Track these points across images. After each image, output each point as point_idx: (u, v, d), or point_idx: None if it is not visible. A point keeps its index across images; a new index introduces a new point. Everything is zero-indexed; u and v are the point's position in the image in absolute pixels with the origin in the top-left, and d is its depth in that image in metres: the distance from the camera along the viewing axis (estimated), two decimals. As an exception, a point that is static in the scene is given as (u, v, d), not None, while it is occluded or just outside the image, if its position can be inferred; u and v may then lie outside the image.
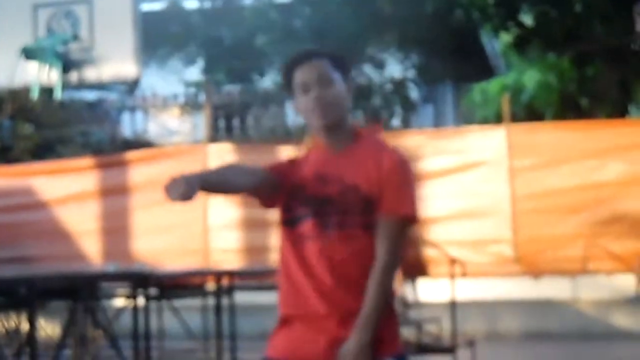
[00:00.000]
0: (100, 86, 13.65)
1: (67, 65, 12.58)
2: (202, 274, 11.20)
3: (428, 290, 10.76)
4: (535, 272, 14.76)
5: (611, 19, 16.45)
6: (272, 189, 3.80)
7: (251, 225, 16.21)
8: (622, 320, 14.32)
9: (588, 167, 15.25)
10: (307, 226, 3.69)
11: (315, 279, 3.65)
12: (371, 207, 3.61)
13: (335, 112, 3.69)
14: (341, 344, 3.55)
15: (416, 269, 13.14)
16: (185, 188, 3.36)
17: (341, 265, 3.63)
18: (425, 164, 14.22)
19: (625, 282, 14.54)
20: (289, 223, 3.79)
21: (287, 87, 3.86)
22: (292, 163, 3.88)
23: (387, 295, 3.63)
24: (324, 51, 3.85)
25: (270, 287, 11.65)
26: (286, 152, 16.55)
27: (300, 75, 3.70)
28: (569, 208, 15.21)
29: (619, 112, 17.91)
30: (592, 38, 16.87)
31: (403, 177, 3.72)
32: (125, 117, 22.31)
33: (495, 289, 14.81)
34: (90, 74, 12.71)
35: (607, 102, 17.71)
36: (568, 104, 18.45)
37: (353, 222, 3.64)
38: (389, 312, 3.68)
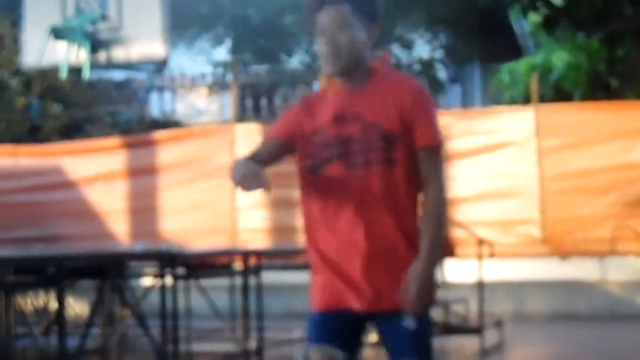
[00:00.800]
0: (128, 66, 13.66)
1: (96, 44, 12.60)
2: (230, 253, 11.20)
3: (455, 271, 10.73)
4: (563, 253, 14.74)
5: (641, -1, 16.38)
6: (289, 152, 3.80)
7: (279, 205, 16.18)
8: (649, 301, 14.30)
9: (617, 148, 15.20)
10: (333, 169, 3.67)
11: (353, 228, 3.62)
12: (392, 143, 3.61)
13: (347, 57, 3.66)
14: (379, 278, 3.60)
15: (443, 250, 13.13)
16: (259, 180, 3.42)
17: (373, 203, 3.62)
18: (453, 144, 14.16)
19: (653, 264, 14.54)
20: (312, 170, 3.74)
21: (309, 28, 3.85)
22: (305, 109, 3.83)
23: (446, 225, 3.73)
24: None
25: (298, 267, 11.69)
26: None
27: (319, 20, 3.70)
28: (597, 189, 15.17)
29: (649, 93, 17.84)
30: (621, 18, 16.78)
31: (428, 107, 3.71)
32: (153, 97, 22.32)
33: (522, 269, 14.78)
34: (119, 53, 12.72)
35: (637, 83, 17.63)
36: (597, 85, 18.38)
37: (377, 158, 3.62)
38: None
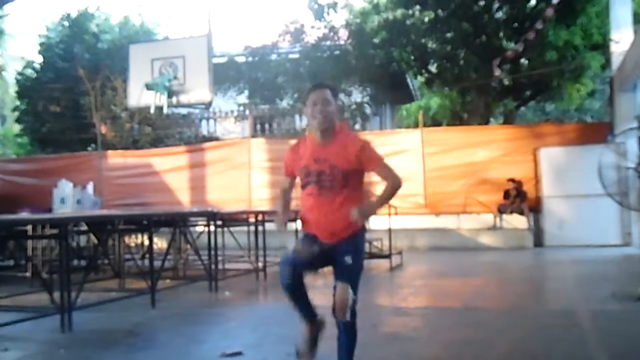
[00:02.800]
0: (189, 105, 13.62)
1: (170, 93, 12.56)
2: (247, 212, 11.15)
3: (376, 222, 10.70)
4: (437, 212, 14.76)
5: (479, 68, 16.39)
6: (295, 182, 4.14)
7: (274, 185, 16.25)
8: (485, 239, 14.32)
9: (466, 153, 15.31)
10: (312, 188, 3.90)
11: (323, 214, 3.88)
12: (347, 176, 3.82)
13: (329, 121, 3.86)
14: (336, 236, 3.85)
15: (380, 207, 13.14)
16: (283, 226, 4.06)
17: (334, 208, 3.84)
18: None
19: (487, 219, 14.57)
20: (303, 186, 3.96)
21: (304, 102, 3.98)
22: (295, 151, 4.03)
23: (389, 199, 3.95)
24: (327, 85, 3.97)
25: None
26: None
27: (313, 96, 3.86)
28: (455, 176, 15.26)
29: (485, 122, 17.88)
30: (469, 79, 16.81)
31: (369, 147, 3.89)
32: (204, 123, 22.25)
33: (413, 222, 14.83)
34: (183, 98, 12.68)
35: (477, 116, 17.68)
36: (455, 117, 18.42)
37: (337, 185, 3.82)
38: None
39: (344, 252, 3.82)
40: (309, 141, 3.96)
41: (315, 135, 3.92)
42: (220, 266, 9.43)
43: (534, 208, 14.49)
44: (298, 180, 4.04)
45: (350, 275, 3.81)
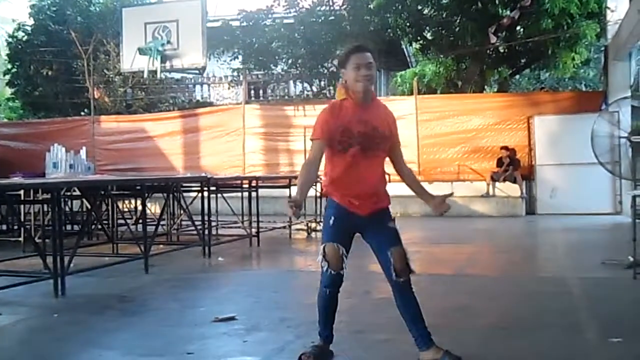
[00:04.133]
0: (182, 70, 13.57)
1: (164, 58, 12.52)
2: (241, 178, 11.15)
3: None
4: (431, 179, 14.78)
5: (475, 35, 16.28)
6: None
7: (268, 151, 16.26)
8: (478, 207, 14.38)
9: (460, 121, 15.35)
10: (355, 149, 3.77)
11: (363, 178, 3.82)
12: (385, 140, 3.85)
13: (371, 83, 3.81)
14: (378, 205, 3.90)
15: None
16: (298, 210, 3.54)
17: (375, 170, 3.87)
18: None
19: (480, 186, 14.61)
20: (342, 149, 3.78)
21: (342, 63, 3.87)
22: (333, 113, 3.82)
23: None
24: (368, 47, 3.88)
25: (279, 187, 11.68)
26: (288, 111, 16.55)
27: (355, 59, 3.77)
28: (449, 144, 15.30)
29: (479, 89, 17.83)
30: (464, 46, 16.71)
31: (396, 123, 4.03)
32: (198, 88, 22.17)
33: (407, 189, 14.83)
34: (177, 63, 12.65)
35: (472, 84, 17.62)
36: (450, 84, 18.33)
37: (378, 147, 3.83)
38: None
39: (385, 220, 3.90)
40: (349, 104, 3.82)
41: (356, 98, 3.81)
42: (213, 232, 9.45)
43: (527, 176, 14.54)
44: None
45: (398, 237, 3.87)
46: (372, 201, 3.86)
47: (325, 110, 3.83)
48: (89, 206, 9.10)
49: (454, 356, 3.68)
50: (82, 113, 19.97)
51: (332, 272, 3.77)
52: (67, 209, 10.26)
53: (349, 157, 3.77)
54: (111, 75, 19.27)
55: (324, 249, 3.79)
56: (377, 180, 3.88)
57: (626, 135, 7.25)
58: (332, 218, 3.86)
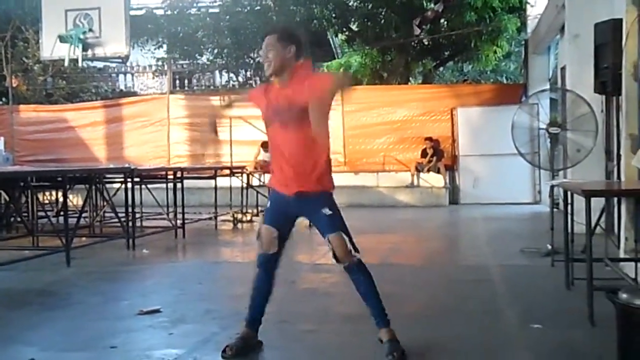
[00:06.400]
0: (105, 59, 13.27)
1: (85, 46, 12.24)
2: (166, 169, 11.01)
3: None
4: (356, 170, 14.91)
5: (400, 28, 16.48)
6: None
7: (193, 142, 16.14)
8: (403, 197, 14.58)
9: (385, 112, 15.51)
10: (276, 125, 3.82)
11: (282, 153, 3.82)
12: (304, 112, 3.64)
13: (273, 67, 3.77)
14: (300, 174, 3.80)
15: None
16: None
17: (296, 145, 3.76)
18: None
19: (405, 177, 14.80)
20: (267, 124, 3.91)
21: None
22: (264, 90, 3.95)
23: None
24: (273, 29, 3.93)
25: (204, 177, 11.59)
26: (214, 102, 16.43)
27: (263, 44, 3.84)
28: (374, 135, 15.46)
29: (404, 81, 18.04)
30: (390, 38, 16.89)
31: (317, 76, 4.04)
32: (121, 77, 21.77)
33: (334, 179, 14.92)
34: (99, 51, 12.38)
35: (397, 75, 17.82)
36: (376, 76, 18.50)
37: (297, 121, 3.70)
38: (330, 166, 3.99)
39: (319, 207, 3.84)
40: (274, 85, 3.88)
41: (275, 79, 3.85)
42: (138, 224, 9.31)
43: (450, 166, 14.82)
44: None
45: (335, 222, 3.83)
46: (298, 182, 3.80)
47: (256, 87, 4.02)
48: (7, 198, 8.82)
49: (398, 347, 3.72)
50: (0, 102, 19.36)
51: (263, 251, 3.88)
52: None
53: (271, 132, 3.89)
54: (30, 64, 18.75)
55: (258, 230, 3.92)
56: (301, 157, 3.78)
57: (545, 126, 7.46)
58: (269, 201, 3.97)
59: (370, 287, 3.86)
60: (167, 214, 10.12)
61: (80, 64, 13.39)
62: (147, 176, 9.94)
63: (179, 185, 9.98)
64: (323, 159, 3.86)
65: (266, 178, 12.66)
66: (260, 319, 3.96)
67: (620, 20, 6.34)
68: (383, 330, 3.82)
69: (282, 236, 3.89)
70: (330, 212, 3.83)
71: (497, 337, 4.24)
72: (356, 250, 3.86)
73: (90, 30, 12.37)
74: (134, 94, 20.06)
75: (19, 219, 9.48)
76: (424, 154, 14.78)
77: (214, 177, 11.10)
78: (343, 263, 3.81)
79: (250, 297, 3.96)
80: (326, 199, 3.88)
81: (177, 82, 21.18)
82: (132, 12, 13.47)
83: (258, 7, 18.27)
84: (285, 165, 3.82)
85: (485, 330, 4.38)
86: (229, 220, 11.04)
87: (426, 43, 17.68)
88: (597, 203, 4.67)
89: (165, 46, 19.50)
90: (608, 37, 6.75)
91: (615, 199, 5.93)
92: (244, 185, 12.04)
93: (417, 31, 16.02)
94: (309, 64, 3.99)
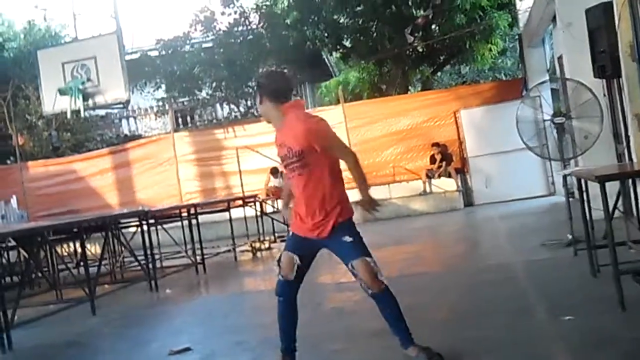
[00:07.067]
0: (106, 106, 13.34)
1: (85, 96, 12.30)
2: (179, 207, 11.02)
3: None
4: (367, 184, 14.86)
5: (393, 38, 16.53)
6: None
7: (203, 177, 16.17)
8: (417, 205, 14.53)
9: (389, 123, 15.49)
10: (287, 172, 3.92)
11: (299, 199, 3.86)
12: (302, 156, 3.71)
13: (264, 115, 3.90)
14: (317, 223, 3.77)
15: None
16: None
17: (311, 189, 3.78)
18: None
19: (417, 185, 14.76)
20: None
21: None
22: (275, 139, 3.95)
23: (362, 175, 4.02)
24: (258, 83, 3.98)
25: (219, 211, 11.60)
26: (218, 135, 16.51)
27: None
28: (381, 147, 15.46)
29: (403, 90, 18.05)
30: (384, 50, 16.93)
31: (315, 127, 3.77)
32: (124, 122, 21.91)
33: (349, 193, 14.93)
34: (100, 99, 12.43)
35: (396, 85, 17.84)
36: (375, 89, 18.55)
37: (301, 166, 3.74)
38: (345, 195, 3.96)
39: (339, 236, 3.80)
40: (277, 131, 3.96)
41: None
42: (158, 265, 9.32)
43: (461, 169, 14.79)
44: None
45: (358, 248, 3.81)
46: (316, 231, 3.80)
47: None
48: (26, 255, 8.85)
49: (433, 352, 3.74)
50: (8, 161, 19.49)
51: (281, 277, 3.89)
52: (4, 260, 9.97)
53: (287, 178, 3.99)
54: (34, 120, 18.90)
55: (279, 256, 3.93)
56: (317, 199, 3.78)
57: (549, 117, 7.44)
58: (291, 232, 3.97)
59: (395, 311, 3.84)
60: (186, 251, 10.12)
61: (82, 114, 13.48)
62: (162, 216, 9.96)
63: (194, 221, 9.98)
64: (338, 190, 3.88)
65: (279, 204, 12.68)
66: (294, 345, 3.96)
67: (611, 3, 6.35)
68: (410, 348, 3.81)
69: (303, 264, 3.89)
70: (350, 239, 3.80)
71: (529, 333, 4.20)
72: (380, 278, 3.81)
73: (89, 79, 12.43)
74: (139, 137, 20.12)
75: (40, 274, 9.51)
76: (432, 160, 14.76)
77: (227, 209, 11.11)
78: (372, 290, 3.77)
79: (279, 327, 3.96)
80: (345, 227, 3.84)
81: (180, 119, 21.27)
82: (128, 57, 13.54)
83: (251, 37, 18.35)
84: (303, 208, 3.83)
85: (516, 328, 4.34)
86: (247, 250, 11.03)
87: (421, 50, 17.71)
88: (613, 187, 4.63)
89: (163, 86, 19.59)
90: (600, 21, 6.76)
91: (630, 181, 5.89)
92: (258, 213, 12.05)
93: (410, 39, 16.07)
94: (299, 103, 3.98)
